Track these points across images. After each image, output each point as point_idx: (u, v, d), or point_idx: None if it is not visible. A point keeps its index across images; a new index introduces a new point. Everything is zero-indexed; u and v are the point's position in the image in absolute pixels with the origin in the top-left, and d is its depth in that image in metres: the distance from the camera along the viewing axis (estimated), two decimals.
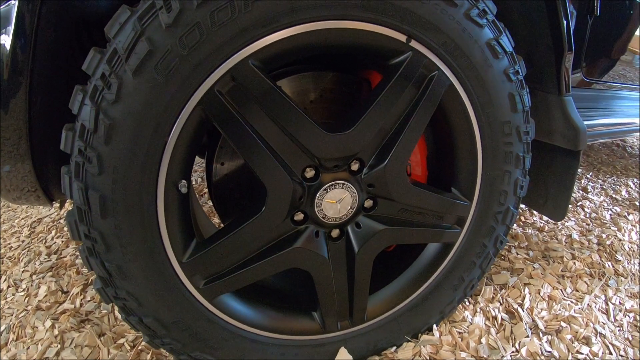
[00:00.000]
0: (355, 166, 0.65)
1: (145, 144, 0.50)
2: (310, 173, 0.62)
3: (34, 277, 1.05)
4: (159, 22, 0.48)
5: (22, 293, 0.99)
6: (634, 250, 1.34)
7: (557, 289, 1.07)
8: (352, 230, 0.70)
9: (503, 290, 1.03)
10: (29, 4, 0.53)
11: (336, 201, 0.65)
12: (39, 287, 1.00)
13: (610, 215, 1.58)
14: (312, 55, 0.59)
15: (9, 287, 1.02)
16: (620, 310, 1.04)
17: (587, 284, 1.12)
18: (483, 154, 0.72)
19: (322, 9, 0.53)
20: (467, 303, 0.97)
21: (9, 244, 1.23)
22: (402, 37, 0.59)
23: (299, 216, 0.65)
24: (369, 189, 0.67)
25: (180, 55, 0.49)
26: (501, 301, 0.99)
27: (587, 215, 1.57)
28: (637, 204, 1.73)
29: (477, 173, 0.73)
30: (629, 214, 1.61)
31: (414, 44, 0.60)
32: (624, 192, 1.85)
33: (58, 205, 0.99)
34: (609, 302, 1.06)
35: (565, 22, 0.79)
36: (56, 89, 0.61)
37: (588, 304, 1.04)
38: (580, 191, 1.82)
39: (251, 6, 0.49)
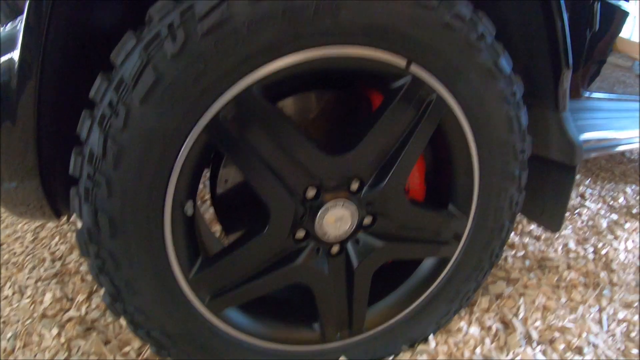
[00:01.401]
0: (355, 185, 0.67)
1: (153, 168, 0.52)
2: (311, 193, 0.64)
3: (38, 283, 1.07)
4: (164, 51, 0.49)
5: (28, 300, 1.01)
6: (629, 260, 1.36)
7: (551, 299, 1.09)
8: (352, 247, 0.72)
9: (499, 300, 1.05)
10: (36, 23, 0.54)
11: (336, 219, 0.66)
12: (44, 294, 1.02)
13: (607, 223, 1.60)
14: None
15: (14, 293, 1.04)
16: (613, 320, 1.06)
17: (581, 293, 1.14)
18: (480, 172, 0.74)
19: (326, 35, 0.54)
20: (464, 313, 0.99)
21: (13, 249, 1.24)
22: (403, 62, 0.61)
23: (300, 234, 0.67)
24: (368, 207, 0.69)
25: (186, 83, 0.50)
26: (496, 311, 1.02)
27: (584, 223, 1.58)
28: (634, 211, 1.75)
29: (474, 190, 0.75)
30: (625, 222, 1.63)
31: (413, 68, 0.62)
32: (621, 199, 1.87)
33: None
34: (602, 312, 1.08)
35: (563, 39, 0.80)
36: (64, 105, 0.63)
37: (582, 314, 1.06)
38: (578, 198, 1.83)
39: (255, 35, 0.51)
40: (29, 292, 1.04)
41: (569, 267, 1.24)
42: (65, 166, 0.60)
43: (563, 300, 1.10)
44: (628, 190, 2.00)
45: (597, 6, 1.08)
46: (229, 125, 0.54)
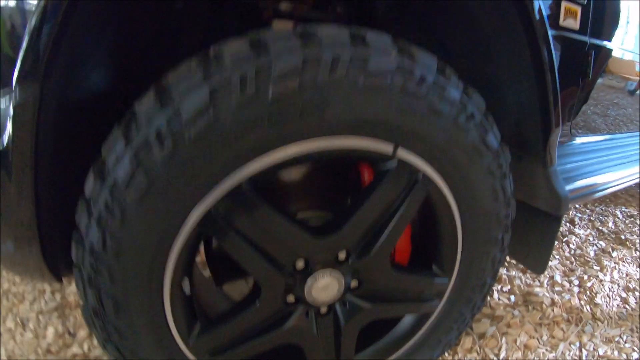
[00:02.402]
0: (342, 255, 0.70)
1: (151, 259, 0.56)
2: (300, 264, 0.68)
3: (40, 317, 1.11)
4: (154, 157, 0.51)
5: (31, 334, 1.05)
6: (614, 291, 1.40)
7: (533, 337, 1.13)
8: (339, 308, 0.76)
9: (481, 340, 1.10)
10: (27, 101, 0.54)
11: (324, 287, 0.70)
12: (47, 328, 1.06)
13: (595, 251, 1.64)
14: None
15: (16, 326, 1.08)
16: (593, 357, 1.11)
17: (563, 330, 1.18)
18: (463, 239, 0.77)
19: (312, 131, 0.57)
20: (447, 355, 1.04)
21: (13, 278, 1.28)
22: (390, 147, 0.63)
23: (291, 298, 0.71)
24: (355, 274, 0.73)
25: (178, 186, 0.53)
26: (478, 351, 1.06)
27: (572, 252, 1.62)
28: (623, 237, 1.79)
29: (457, 254, 0.79)
30: (613, 250, 1.66)
31: (400, 152, 0.64)
32: (610, 224, 1.91)
33: None
34: (582, 349, 1.13)
35: (554, 98, 0.81)
36: (63, 171, 0.65)
37: (562, 351, 1.11)
38: (568, 224, 1.87)
39: (242, 137, 0.53)
40: (31, 325, 1.08)
41: (553, 303, 1.28)
42: (65, 233, 0.63)
43: (545, 338, 1.14)
44: (618, 213, 2.04)
45: (593, 55, 1.09)
46: (220, 219, 0.57)
